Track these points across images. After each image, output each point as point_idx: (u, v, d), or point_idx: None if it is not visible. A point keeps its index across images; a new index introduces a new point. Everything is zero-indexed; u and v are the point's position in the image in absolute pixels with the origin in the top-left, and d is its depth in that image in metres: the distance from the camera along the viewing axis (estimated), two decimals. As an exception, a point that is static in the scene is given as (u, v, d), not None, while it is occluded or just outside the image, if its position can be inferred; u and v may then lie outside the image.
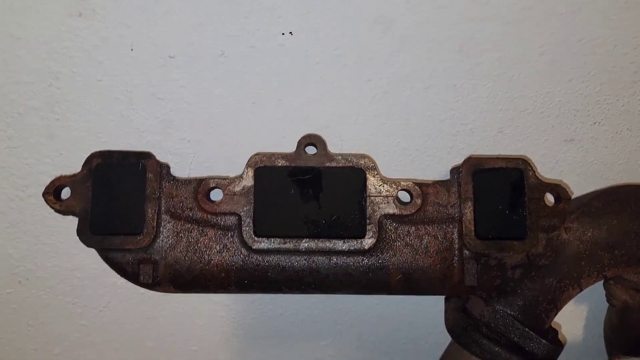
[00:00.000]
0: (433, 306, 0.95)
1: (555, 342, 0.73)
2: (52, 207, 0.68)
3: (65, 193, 0.69)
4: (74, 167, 0.74)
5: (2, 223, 0.78)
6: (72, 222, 0.78)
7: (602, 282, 0.81)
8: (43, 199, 0.69)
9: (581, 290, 0.74)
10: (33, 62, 0.67)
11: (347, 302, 0.93)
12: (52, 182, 0.68)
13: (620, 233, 0.73)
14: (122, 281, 0.84)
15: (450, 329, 0.78)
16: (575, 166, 0.83)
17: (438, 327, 0.96)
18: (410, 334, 0.98)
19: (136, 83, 0.70)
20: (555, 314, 0.74)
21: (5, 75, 0.67)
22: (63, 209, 0.68)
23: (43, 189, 0.68)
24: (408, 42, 0.71)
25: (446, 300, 0.82)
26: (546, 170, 0.83)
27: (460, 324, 0.76)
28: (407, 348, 0.99)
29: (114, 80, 0.69)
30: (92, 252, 0.80)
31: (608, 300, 0.86)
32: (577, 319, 0.99)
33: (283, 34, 0.68)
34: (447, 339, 0.81)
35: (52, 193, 0.68)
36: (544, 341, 0.71)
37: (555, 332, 0.74)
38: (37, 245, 0.80)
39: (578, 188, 0.84)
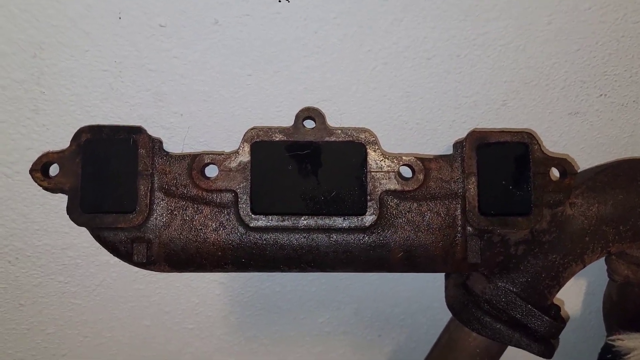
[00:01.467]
0: (432, 282, 0.94)
1: (558, 319, 0.73)
2: (40, 185, 0.65)
3: (54, 170, 0.67)
4: (62, 142, 0.71)
5: (-12, 201, 0.75)
6: (62, 199, 0.76)
7: (603, 258, 0.80)
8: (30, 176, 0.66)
9: (584, 266, 0.73)
10: (14, 31, 0.63)
11: (345, 278, 0.92)
12: (39, 158, 0.66)
13: (625, 208, 0.71)
14: (115, 260, 0.82)
15: (450, 305, 0.77)
16: (580, 140, 0.81)
17: (436, 303, 0.96)
18: (409, 309, 0.97)
19: (125, 54, 0.66)
20: (558, 291, 0.74)
21: (-16, 46, 0.64)
22: (51, 187, 0.65)
23: (30, 165, 0.66)
24: (410, 11, 0.68)
25: (446, 276, 0.81)
26: (550, 143, 0.81)
27: (461, 301, 0.75)
28: (405, 324, 0.98)
29: (101, 50, 0.66)
30: (84, 230, 0.78)
31: (609, 275, 0.85)
32: (575, 294, 0.99)
33: (280, 0, 0.65)
34: (445, 315, 0.81)
35: (39, 170, 0.65)
36: (546, 318, 0.71)
37: (557, 308, 0.73)
38: (25, 223, 0.78)
39: (582, 162, 0.82)
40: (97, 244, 0.77)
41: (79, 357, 0.94)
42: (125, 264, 0.81)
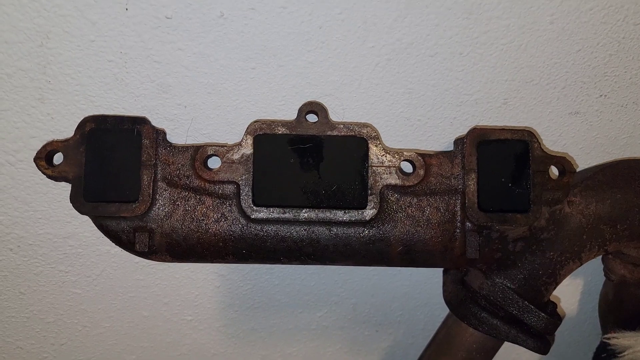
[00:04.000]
0: (429, 279, 0.95)
1: (554, 315, 0.73)
2: (44, 173, 0.66)
3: (58, 158, 0.67)
4: (66, 131, 0.71)
5: (-9, 189, 0.76)
6: (64, 188, 0.77)
7: (599, 257, 0.81)
8: (34, 165, 0.66)
9: (581, 264, 0.74)
10: (22, 20, 0.64)
11: (344, 273, 0.93)
12: (44, 146, 0.66)
13: (623, 207, 0.72)
14: (117, 249, 0.83)
15: (448, 301, 0.78)
16: (579, 139, 0.82)
17: (434, 299, 0.96)
18: (406, 305, 0.98)
19: (131, 45, 0.67)
20: (555, 288, 0.74)
21: (-7, 34, 0.64)
22: (55, 175, 0.66)
23: (34, 154, 0.66)
24: (414, 8, 0.68)
25: (444, 272, 0.81)
26: (549, 142, 0.81)
27: (458, 296, 0.75)
28: (403, 320, 0.99)
29: (108, 41, 0.66)
30: (86, 219, 0.79)
31: (606, 274, 0.86)
32: (571, 293, 1.00)
33: (285, -5, 0.65)
34: (442, 312, 0.81)
35: (43, 158, 0.66)
36: (542, 314, 0.71)
37: (554, 305, 0.74)
38: (28, 212, 0.78)
39: (581, 161, 0.83)
40: (99, 234, 0.77)
41: (77, 346, 0.94)
42: (126, 254, 0.82)
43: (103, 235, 0.70)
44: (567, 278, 0.76)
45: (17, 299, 0.87)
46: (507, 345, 0.75)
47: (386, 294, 0.96)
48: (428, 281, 0.95)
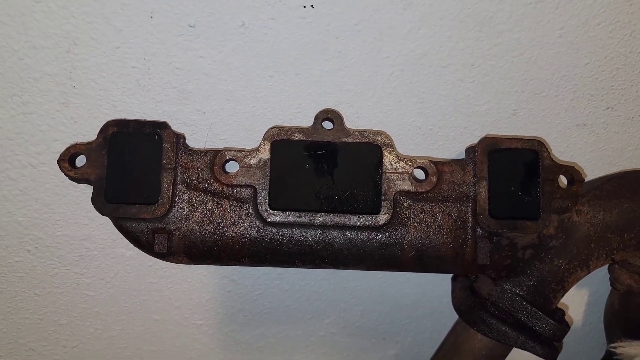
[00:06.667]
0: (437, 286, 0.96)
1: (562, 322, 0.74)
2: (67, 175, 0.68)
3: (80, 161, 0.69)
4: (88, 135, 0.73)
5: (13, 190, 0.77)
6: (83, 191, 0.78)
7: (605, 267, 0.82)
8: (56, 167, 0.68)
9: (589, 272, 0.75)
10: (51, 26, 0.66)
11: (352, 280, 0.94)
12: (68, 149, 0.68)
13: (630, 217, 0.74)
14: (131, 253, 0.85)
15: (457, 307, 0.79)
16: (586, 151, 0.84)
17: (441, 307, 0.97)
18: (414, 313, 0.99)
19: (154, 51, 0.69)
20: (563, 295, 0.76)
21: (22, 39, 0.66)
22: (78, 177, 0.68)
23: (56, 156, 0.68)
24: (428, 20, 0.71)
25: (453, 279, 0.83)
26: (557, 154, 0.83)
27: (468, 303, 0.77)
28: (410, 328, 1.00)
29: (132, 47, 0.69)
30: (102, 222, 0.81)
31: (612, 284, 0.87)
32: (577, 303, 1.01)
33: (304, 7, 0.68)
34: (450, 320, 0.82)
35: (67, 160, 0.68)
36: (551, 321, 0.73)
37: (562, 312, 0.75)
38: (47, 213, 0.80)
39: (588, 172, 0.84)
40: (115, 236, 0.79)
41: (88, 349, 0.95)
42: (140, 257, 0.83)
43: (119, 238, 0.72)
44: (574, 287, 0.78)
45: (31, 300, 0.89)
46: (514, 351, 0.76)
47: (394, 301, 0.97)
48: (436, 289, 0.96)
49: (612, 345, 0.85)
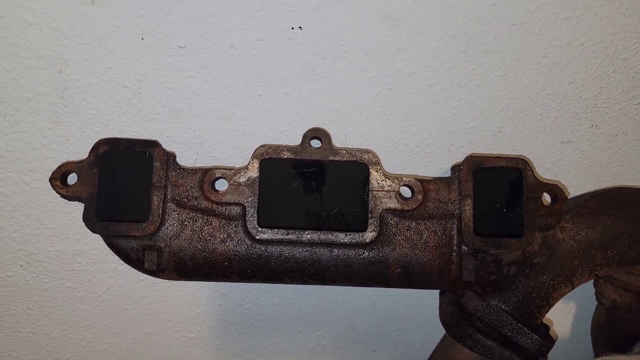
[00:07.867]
0: (426, 299, 0.97)
1: (547, 338, 0.76)
2: (59, 192, 0.69)
3: (72, 179, 0.70)
4: (80, 153, 0.74)
5: (5, 206, 0.78)
6: (75, 207, 0.79)
7: (591, 281, 0.83)
8: (48, 184, 0.69)
9: (573, 288, 0.76)
10: (44, 48, 0.67)
11: (342, 293, 0.95)
12: (59, 167, 0.69)
13: (613, 234, 0.75)
14: (123, 267, 0.86)
15: (444, 322, 0.80)
16: (571, 167, 0.85)
17: (430, 320, 0.99)
18: (403, 326, 1.00)
19: (145, 72, 0.70)
20: (547, 310, 0.77)
21: (15, 60, 0.67)
22: (69, 195, 0.69)
23: (48, 174, 0.69)
24: (415, 40, 0.72)
25: (441, 294, 0.84)
26: (542, 170, 0.84)
27: (454, 318, 0.78)
28: (400, 340, 1.01)
29: (123, 68, 0.70)
30: (94, 238, 0.82)
31: (597, 298, 0.88)
32: (564, 317, 1.02)
33: (293, 28, 0.69)
34: (439, 332, 0.83)
35: (58, 178, 0.69)
36: (535, 336, 0.74)
37: (546, 327, 0.77)
38: (39, 229, 0.81)
39: (573, 188, 0.86)
40: (106, 252, 0.80)
41: (81, 362, 0.96)
42: (132, 272, 0.84)
43: (110, 253, 0.72)
44: (560, 302, 0.79)
45: (24, 314, 0.89)
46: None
47: (384, 314, 0.98)
48: (425, 302, 0.98)
49: (598, 359, 0.86)
